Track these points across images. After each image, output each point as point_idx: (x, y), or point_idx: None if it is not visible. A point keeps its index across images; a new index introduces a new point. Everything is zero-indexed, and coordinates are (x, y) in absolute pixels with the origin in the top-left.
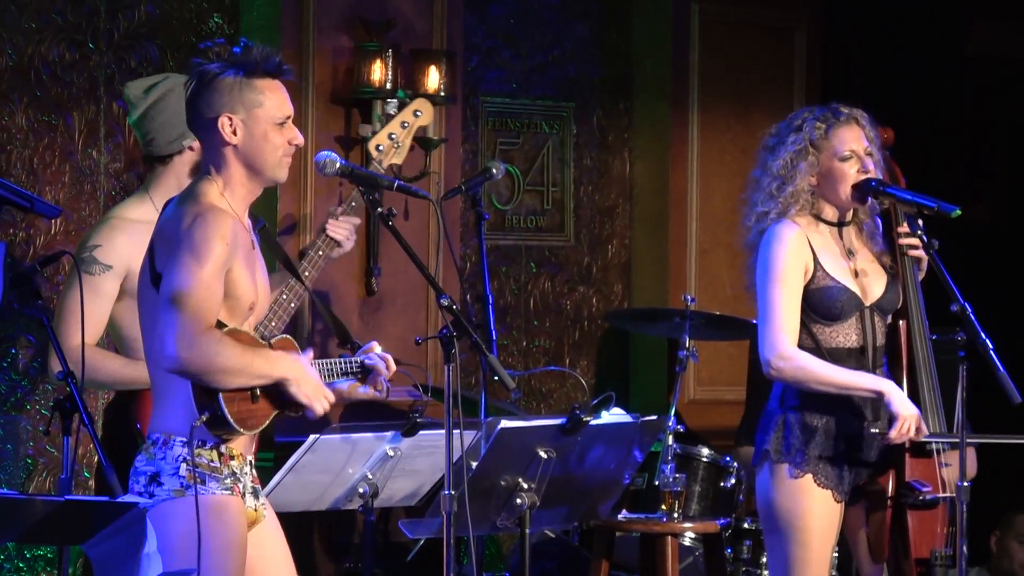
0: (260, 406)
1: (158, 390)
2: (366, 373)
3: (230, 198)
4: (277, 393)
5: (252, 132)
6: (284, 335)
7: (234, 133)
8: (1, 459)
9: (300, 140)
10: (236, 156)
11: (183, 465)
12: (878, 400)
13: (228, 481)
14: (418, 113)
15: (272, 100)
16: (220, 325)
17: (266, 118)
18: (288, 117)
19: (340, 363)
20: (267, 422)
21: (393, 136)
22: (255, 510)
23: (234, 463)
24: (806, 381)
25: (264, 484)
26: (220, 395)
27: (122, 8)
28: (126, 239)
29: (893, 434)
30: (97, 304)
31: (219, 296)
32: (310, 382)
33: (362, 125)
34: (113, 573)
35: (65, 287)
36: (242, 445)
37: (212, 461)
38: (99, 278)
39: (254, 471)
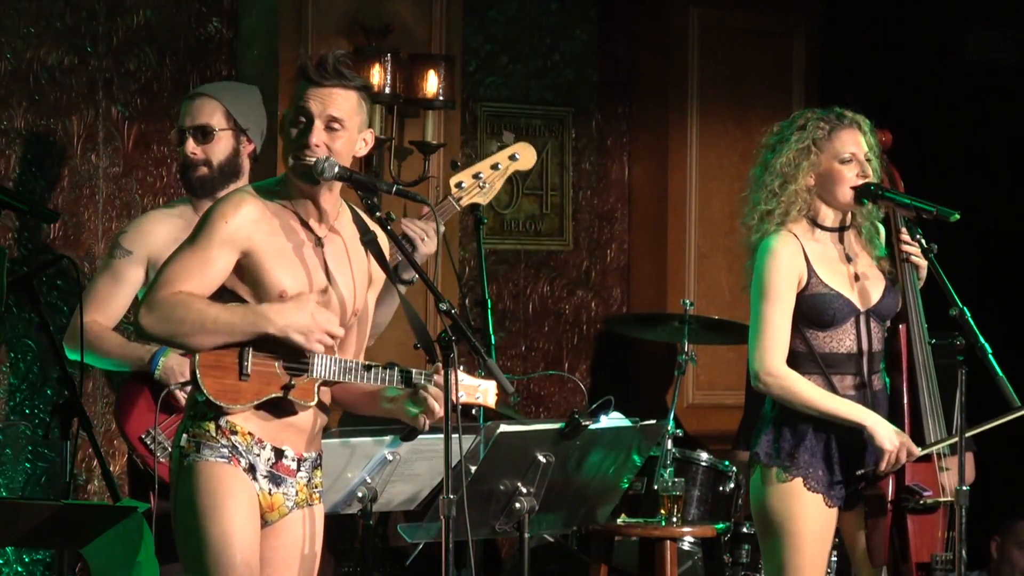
0: (249, 384)
1: None
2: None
3: (287, 194)
4: (279, 355)
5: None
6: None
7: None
8: (0, 464)
9: (309, 138)
10: None
11: (184, 435)
12: (872, 407)
13: (225, 451)
14: (516, 157)
15: (296, 97)
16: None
17: (287, 115)
18: (305, 112)
19: (357, 363)
20: (252, 403)
21: (480, 176)
22: (270, 495)
23: (236, 438)
24: (790, 400)
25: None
26: (197, 361)
27: (121, 12)
28: (156, 229)
29: (882, 468)
30: (117, 288)
31: (209, 270)
32: (299, 326)
33: (454, 164)
34: None
35: (95, 271)
36: (256, 426)
37: (208, 431)
38: (120, 262)
39: (291, 463)
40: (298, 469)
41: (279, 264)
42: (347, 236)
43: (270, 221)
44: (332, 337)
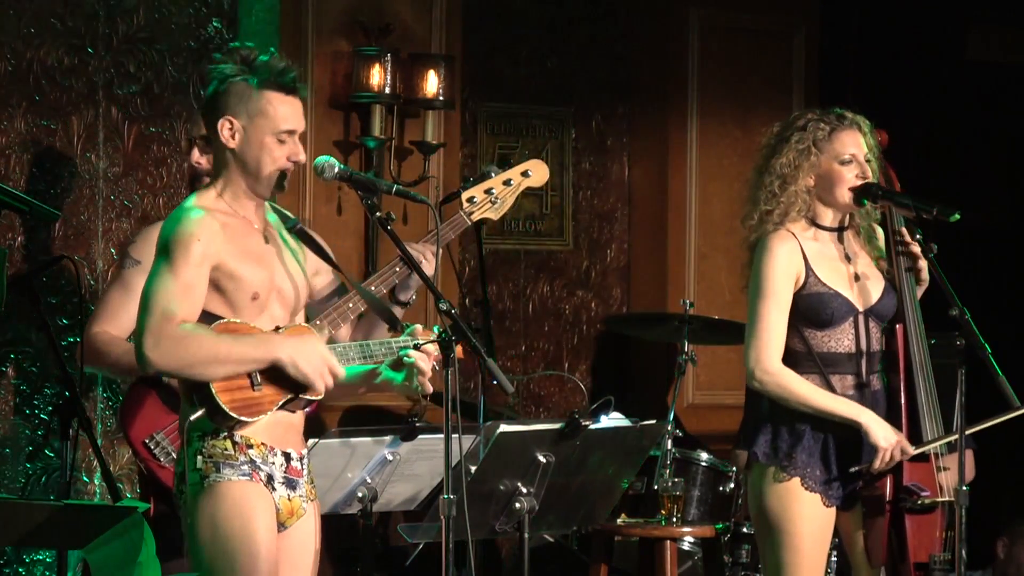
0: (263, 393)
1: (180, 393)
2: (397, 358)
3: (230, 200)
4: (281, 378)
5: (250, 140)
6: (298, 323)
7: (232, 137)
8: (0, 463)
9: (301, 157)
10: (234, 160)
11: (199, 458)
12: (870, 406)
13: (245, 467)
14: (528, 173)
15: (278, 112)
16: (212, 319)
17: (268, 128)
18: (292, 132)
19: (358, 347)
20: (274, 408)
21: (492, 191)
22: (289, 500)
23: (253, 451)
24: (786, 399)
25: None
26: (212, 387)
27: (121, 13)
28: None
29: (876, 465)
30: (127, 299)
31: (195, 293)
32: (308, 360)
33: (466, 180)
34: None
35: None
36: (266, 435)
37: (226, 450)
38: (128, 272)
39: (297, 464)
40: (301, 468)
41: (244, 268)
42: (278, 229)
43: (226, 229)
44: (334, 376)
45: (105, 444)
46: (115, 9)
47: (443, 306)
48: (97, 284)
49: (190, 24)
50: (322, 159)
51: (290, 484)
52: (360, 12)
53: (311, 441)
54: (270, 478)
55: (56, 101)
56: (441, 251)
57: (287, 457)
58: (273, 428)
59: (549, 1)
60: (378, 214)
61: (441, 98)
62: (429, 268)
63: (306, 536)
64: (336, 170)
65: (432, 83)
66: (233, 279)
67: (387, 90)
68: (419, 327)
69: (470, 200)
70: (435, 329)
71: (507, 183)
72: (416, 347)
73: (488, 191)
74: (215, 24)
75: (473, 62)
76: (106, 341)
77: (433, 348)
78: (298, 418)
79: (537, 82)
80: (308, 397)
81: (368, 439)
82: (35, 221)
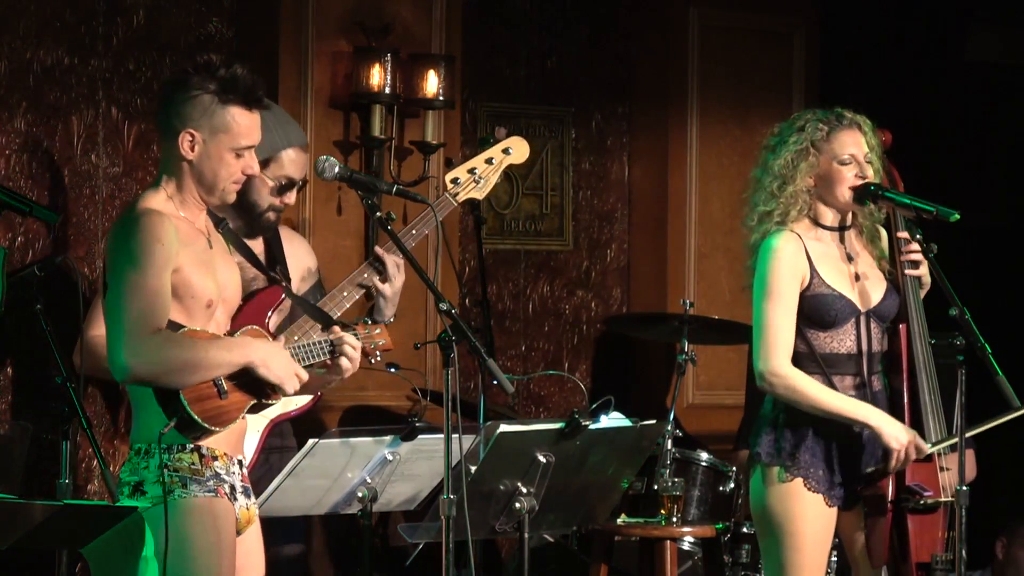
0: (230, 400)
1: (134, 401)
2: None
3: (179, 204)
4: (246, 383)
5: (209, 153)
6: (252, 326)
7: (191, 149)
8: (0, 463)
9: (254, 171)
10: (190, 170)
11: (164, 471)
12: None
13: (211, 483)
14: (509, 151)
15: (239, 129)
16: (177, 327)
17: (229, 144)
18: (251, 148)
19: (314, 346)
20: (240, 416)
21: (475, 171)
22: (247, 509)
23: (217, 464)
24: (796, 400)
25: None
26: (183, 397)
27: (121, 12)
28: None
29: (892, 465)
30: None
31: (163, 298)
32: (278, 361)
33: (449, 161)
34: None
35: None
36: (226, 444)
37: (193, 464)
38: None
39: (244, 470)
40: (246, 474)
41: (197, 273)
42: (213, 231)
43: (179, 234)
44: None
45: (105, 444)
46: (115, 8)
47: (443, 306)
48: (97, 284)
49: (190, 23)
50: (322, 159)
51: (246, 492)
52: (360, 12)
53: (311, 441)
54: (232, 489)
55: (56, 100)
56: (441, 251)
57: (240, 464)
58: (229, 436)
59: (549, 1)
60: (378, 214)
61: (441, 98)
62: (396, 282)
63: (255, 539)
64: (336, 170)
65: (432, 83)
66: (189, 283)
67: (387, 90)
68: (336, 327)
69: (454, 181)
70: (361, 321)
71: (489, 162)
72: (334, 344)
73: (471, 171)
74: (215, 23)
75: (473, 62)
76: (102, 346)
77: (354, 344)
78: (246, 424)
79: (537, 82)
80: (269, 402)
81: (368, 439)
82: (35, 221)
